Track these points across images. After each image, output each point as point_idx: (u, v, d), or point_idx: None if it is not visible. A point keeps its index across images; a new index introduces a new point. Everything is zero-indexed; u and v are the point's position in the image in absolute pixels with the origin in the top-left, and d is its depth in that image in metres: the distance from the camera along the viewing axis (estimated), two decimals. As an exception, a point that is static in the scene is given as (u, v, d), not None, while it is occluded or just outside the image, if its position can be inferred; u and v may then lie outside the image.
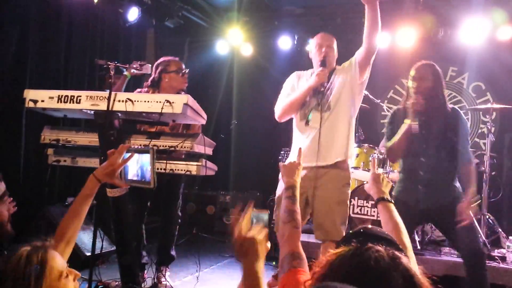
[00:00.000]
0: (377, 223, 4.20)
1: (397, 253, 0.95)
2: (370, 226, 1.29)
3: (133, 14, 5.13)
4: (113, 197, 2.36)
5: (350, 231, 1.31)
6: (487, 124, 4.59)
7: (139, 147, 2.41)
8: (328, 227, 2.92)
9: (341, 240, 1.25)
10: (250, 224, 1.49)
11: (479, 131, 6.25)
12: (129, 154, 1.96)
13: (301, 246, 1.55)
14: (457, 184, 3.05)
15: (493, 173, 4.75)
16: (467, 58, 6.03)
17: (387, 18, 5.92)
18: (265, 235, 1.44)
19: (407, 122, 2.99)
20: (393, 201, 1.85)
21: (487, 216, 4.42)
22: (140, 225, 3.53)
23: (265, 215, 1.58)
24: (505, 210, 5.01)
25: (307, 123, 3.00)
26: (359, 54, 3.06)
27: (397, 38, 5.88)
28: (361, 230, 1.24)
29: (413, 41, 5.82)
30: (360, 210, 4.23)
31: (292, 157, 3.07)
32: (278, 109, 3.12)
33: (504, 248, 4.13)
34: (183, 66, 3.60)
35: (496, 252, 4.08)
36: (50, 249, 1.42)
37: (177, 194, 3.70)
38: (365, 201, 4.22)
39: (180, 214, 3.76)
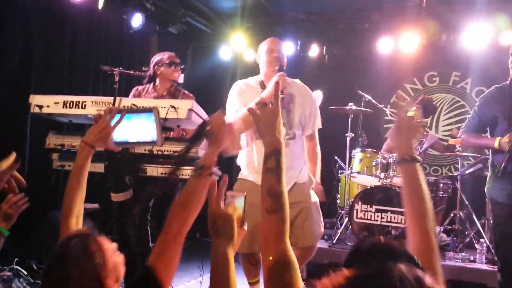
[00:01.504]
0: (381, 228, 4.19)
1: (420, 273, 0.89)
2: (383, 240, 1.15)
3: (137, 20, 5.17)
4: (118, 201, 2.37)
5: (362, 247, 1.09)
6: (491, 128, 4.57)
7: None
8: (308, 231, 2.82)
9: (352, 256, 1.07)
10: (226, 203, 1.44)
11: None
12: (120, 115, 1.80)
13: (291, 250, 1.24)
14: None
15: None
16: (470, 63, 6.04)
17: (390, 23, 5.99)
18: (240, 217, 1.38)
19: None
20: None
21: (491, 221, 4.40)
22: (144, 226, 3.51)
23: (240, 199, 1.46)
24: None
25: None
26: (309, 135, 3.06)
27: (400, 43, 5.89)
28: (376, 246, 1.11)
29: (416, 46, 5.83)
30: (364, 215, 4.22)
31: (244, 172, 2.94)
32: (237, 124, 2.76)
33: None
34: (177, 60, 3.68)
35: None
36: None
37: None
38: (368, 206, 4.21)
39: None
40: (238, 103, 2.88)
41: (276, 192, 1.30)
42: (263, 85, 2.95)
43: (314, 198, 2.96)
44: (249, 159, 2.93)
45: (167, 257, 1.38)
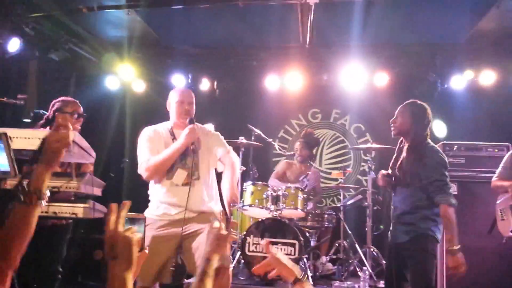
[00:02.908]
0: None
1: None
2: None
3: (14, 45, 4.75)
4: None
5: None
6: (368, 162, 4.99)
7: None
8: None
9: None
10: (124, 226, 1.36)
11: (361, 168, 6.73)
12: None
13: None
14: (423, 224, 2.90)
15: (375, 207, 5.10)
16: (348, 102, 6.54)
17: (277, 62, 6.27)
18: (140, 240, 1.33)
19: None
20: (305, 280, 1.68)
21: (372, 249, 4.70)
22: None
23: (140, 222, 1.45)
24: (388, 242, 5.37)
25: (173, 181, 2.98)
26: (222, 156, 3.17)
27: (286, 81, 6.19)
28: None
29: (300, 85, 6.17)
30: (256, 248, 4.23)
31: (153, 210, 3.04)
32: (147, 170, 2.98)
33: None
34: (81, 110, 3.44)
35: (381, 283, 4.32)
36: None
37: (60, 246, 3.32)
38: (259, 238, 4.24)
39: (61, 269, 3.35)
40: (148, 151, 3.02)
41: None
42: (172, 133, 3.11)
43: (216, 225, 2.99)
44: (158, 197, 3.04)
45: None
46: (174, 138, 3.08)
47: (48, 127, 3.35)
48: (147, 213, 3.04)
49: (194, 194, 2.96)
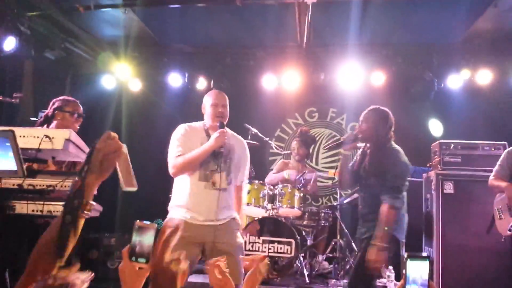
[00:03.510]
0: (268, 259, 4.23)
1: None
2: None
3: (9, 44, 4.73)
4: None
5: None
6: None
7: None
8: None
9: None
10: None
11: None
12: None
13: None
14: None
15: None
16: (345, 101, 6.54)
17: (273, 61, 6.27)
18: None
19: (342, 152, 3.35)
20: None
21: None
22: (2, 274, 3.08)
23: (150, 232, 1.29)
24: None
25: (211, 184, 3.01)
26: (238, 185, 3.25)
27: (283, 81, 6.19)
28: None
29: (297, 84, 6.17)
30: (252, 246, 4.24)
31: (176, 210, 3.04)
32: (175, 167, 3.00)
33: (384, 278, 4.39)
34: (81, 110, 3.45)
35: (377, 282, 4.31)
36: None
37: None
38: (256, 237, 4.24)
39: None
40: (179, 148, 3.01)
41: None
42: (207, 133, 3.12)
43: (240, 240, 3.11)
44: (182, 199, 3.02)
45: None
46: (208, 139, 3.08)
47: (46, 125, 3.35)
48: (174, 214, 3.01)
49: (224, 199, 3.01)
